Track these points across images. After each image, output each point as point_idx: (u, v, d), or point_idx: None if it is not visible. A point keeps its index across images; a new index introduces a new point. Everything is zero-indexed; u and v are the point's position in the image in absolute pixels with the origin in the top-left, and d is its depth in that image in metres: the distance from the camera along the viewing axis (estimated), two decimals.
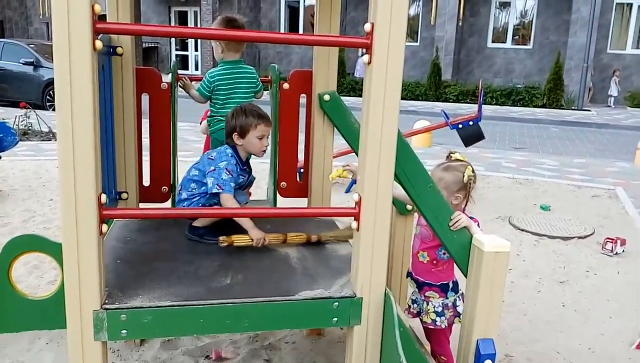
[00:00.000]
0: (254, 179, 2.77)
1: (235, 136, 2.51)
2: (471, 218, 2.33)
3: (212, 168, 2.45)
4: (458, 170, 2.34)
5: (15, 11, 26.32)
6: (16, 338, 2.89)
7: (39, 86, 13.14)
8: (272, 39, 1.97)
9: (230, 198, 2.42)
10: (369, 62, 1.80)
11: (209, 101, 3.20)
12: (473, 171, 2.36)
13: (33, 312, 2.90)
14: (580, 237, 5.05)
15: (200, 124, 3.86)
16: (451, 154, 2.47)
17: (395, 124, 1.85)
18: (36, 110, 9.60)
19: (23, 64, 13.30)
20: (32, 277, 3.68)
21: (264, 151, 2.56)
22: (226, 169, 2.45)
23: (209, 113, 3.06)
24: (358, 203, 1.92)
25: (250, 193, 2.84)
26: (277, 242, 2.44)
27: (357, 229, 1.94)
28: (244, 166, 2.58)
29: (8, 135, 5.56)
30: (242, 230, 2.40)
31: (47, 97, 13.08)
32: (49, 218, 4.93)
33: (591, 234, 5.15)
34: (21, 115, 9.25)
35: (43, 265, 3.80)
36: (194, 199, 2.52)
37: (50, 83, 12.70)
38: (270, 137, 2.59)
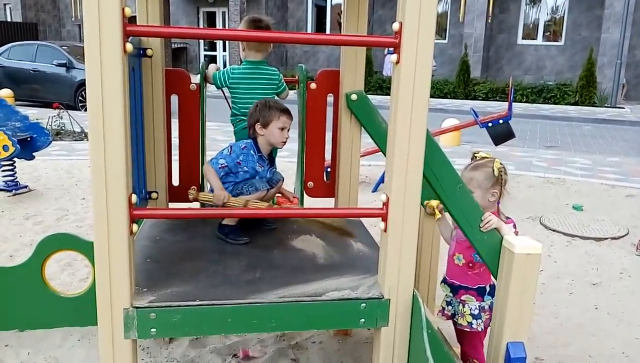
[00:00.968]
0: (282, 178, 2.77)
1: (258, 126, 2.59)
2: (508, 218, 2.29)
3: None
4: (487, 166, 2.31)
5: (49, 14, 26.93)
6: (49, 335, 2.96)
7: (72, 87, 13.42)
8: (299, 40, 1.98)
9: (207, 168, 2.56)
10: (397, 62, 1.79)
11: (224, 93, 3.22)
12: (501, 164, 2.33)
13: (65, 309, 2.98)
14: (613, 238, 4.93)
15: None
16: (475, 154, 2.44)
17: (424, 124, 1.83)
18: (69, 111, 9.80)
19: (56, 65, 13.60)
20: (64, 274, 3.76)
21: (284, 142, 2.63)
22: (230, 147, 2.59)
23: (231, 113, 3.07)
24: (386, 204, 1.91)
25: (297, 198, 2.88)
26: (238, 206, 2.46)
27: (385, 230, 1.93)
28: (261, 155, 2.63)
29: (41, 135, 5.68)
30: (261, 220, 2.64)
31: (80, 97, 13.35)
32: (81, 216, 5.03)
33: (625, 235, 5.02)
34: (54, 116, 9.46)
35: (75, 262, 3.88)
36: (225, 184, 2.58)
37: (83, 84, 12.96)
38: (289, 130, 2.65)
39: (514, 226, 2.23)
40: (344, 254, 2.42)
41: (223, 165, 2.55)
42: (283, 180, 2.79)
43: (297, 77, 2.97)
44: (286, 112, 2.61)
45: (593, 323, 3.38)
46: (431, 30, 1.75)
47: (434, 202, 2.41)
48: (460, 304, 2.41)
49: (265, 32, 2.86)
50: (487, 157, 2.38)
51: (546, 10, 20.54)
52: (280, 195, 2.85)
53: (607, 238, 4.91)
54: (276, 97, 3.06)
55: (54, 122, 9.39)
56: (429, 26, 1.74)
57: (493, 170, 2.28)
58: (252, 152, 2.59)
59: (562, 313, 3.51)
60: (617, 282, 4.00)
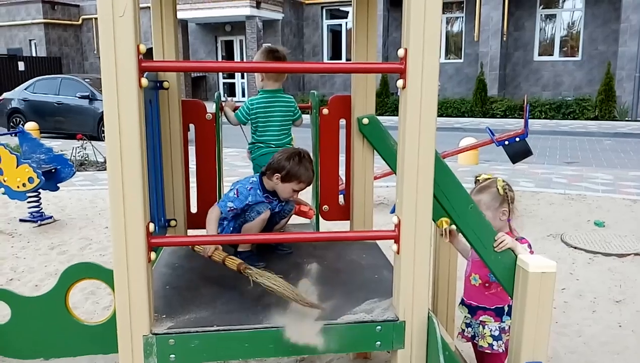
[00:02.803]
0: (293, 208, 2.79)
1: (277, 175, 2.56)
2: (521, 238, 2.29)
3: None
4: (491, 187, 2.34)
5: (72, 48, 27.73)
6: None
7: (94, 118, 13.73)
8: (310, 69, 2.04)
9: (213, 212, 2.54)
10: (404, 87, 1.83)
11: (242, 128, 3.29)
12: (504, 181, 2.35)
13: (89, 337, 3.03)
14: (637, 254, 4.85)
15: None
16: (477, 178, 2.46)
17: (432, 147, 1.86)
18: (92, 142, 10.03)
19: (79, 97, 13.94)
20: (88, 302, 3.83)
21: (289, 200, 2.67)
22: (236, 190, 2.58)
23: (250, 144, 3.14)
24: (397, 226, 1.93)
25: (313, 210, 2.91)
26: (217, 260, 2.38)
27: (398, 252, 1.95)
28: (267, 193, 2.61)
29: (65, 166, 5.84)
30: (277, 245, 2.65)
31: (102, 128, 13.59)
32: (104, 245, 5.13)
33: None
34: (78, 147, 9.68)
35: (99, 291, 3.95)
36: (224, 223, 2.61)
37: None
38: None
39: (529, 246, 2.23)
40: (360, 277, 2.44)
41: (232, 208, 2.55)
42: (293, 209, 2.81)
43: (310, 103, 3.03)
44: (309, 180, 2.59)
45: (617, 342, 3.32)
46: (435, 54, 1.79)
47: (444, 222, 2.41)
48: (480, 325, 2.40)
49: (273, 62, 2.94)
50: (489, 178, 2.40)
51: (562, 25, 20.51)
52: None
53: (630, 254, 4.83)
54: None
55: (78, 153, 9.61)
56: (434, 51, 1.78)
57: (497, 190, 2.30)
58: (258, 191, 2.59)
59: (585, 331, 3.45)
60: None
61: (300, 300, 1.99)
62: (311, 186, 3.02)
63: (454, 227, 2.30)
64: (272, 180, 2.58)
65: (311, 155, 2.97)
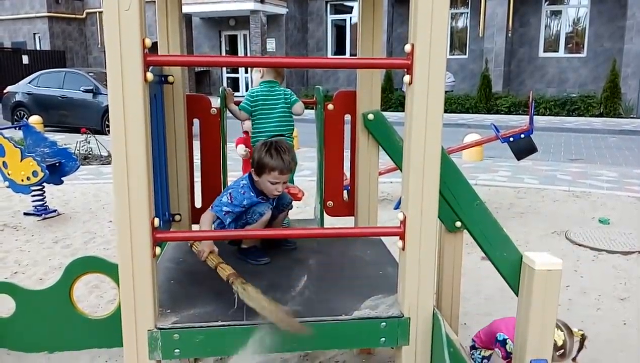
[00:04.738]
0: (290, 200, 2.74)
1: (252, 171, 2.51)
2: None
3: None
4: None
5: (76, 41, 27.75)
6: (77, 357, 3.02)
7: (98, 112, 13.75)
8: (317, 64, 2.02)
9: (206, 215, 2.50)
10: (410, 83, 1.82)
11: (245, 122, 3.28)
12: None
13: (93, 331, 3.04)
14: None
15: (236, 147, 3.84)
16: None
17: (439, 143, 1.85)
18: (96, 136, 10.04)
19: (83, 91, 13.96)
20: (92, 296, 3.84)
21: (276, 195, 2.53)
22: (229, 194, 2.51)
23: (251, 136, 3.13)
24: (403, 222, 1.92)
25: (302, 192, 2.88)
26: (210, 265, 2.32)
27: (403, 248, 1.94)
28: (260, 195, 2.53)
29: (69, 160, 5.84)
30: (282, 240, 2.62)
31: (106, 122, 13.67)
32: (108, 239, 5.14)
33: None
34: (82, 141, 9.70)
35: (103, 284, 3.96)
36: (225, 224, 2.56)
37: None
38: (285, 183, 2.54)
39: None
40: (364, 273, 2.44)
41: (227, 211, 2.50)
42: (291, 201, 2.76)
43: (315, 99, 3.02)
44: (280, 166, 2.42)
45: (622, 340, 3.31)
46: (443, 50, 1.78)
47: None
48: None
49: (278, 57, 2.94)
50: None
51: (567, 22, 20.41)
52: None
53: (635, 252, 4.82)
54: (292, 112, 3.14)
55: (82, 146, 9.62)
56: (441, 47, 1.77)
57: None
58: (252, 194, 2.51)
59: (590, 329, 3.43)
60: None
61: (283, 321, 1.89)
62: (316, 181, 3.01)
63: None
64: (253, 177, 2.52)
65: (316, 150, 2.96)
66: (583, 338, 2.49)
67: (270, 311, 1.91)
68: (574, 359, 2.46)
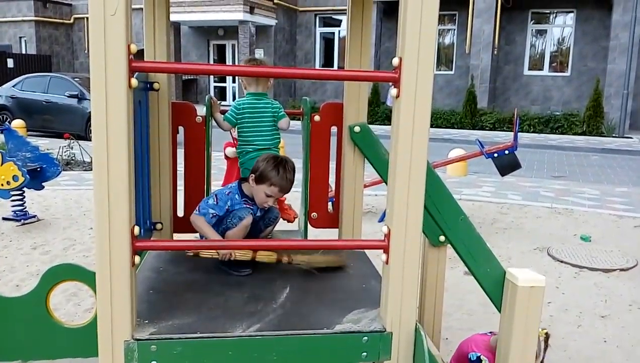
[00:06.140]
0: (278, 215, 2.76)
1: (252, 176, 2.54)
2: None
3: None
4: None
5: (62, 46, 27.51)
6: None
7: (83, 118, 13.58)
8: (305, 75, 2.02)
9: (198, 219, 2.51)
10: (397, 96, 1.82)
11: (230, 131, 3.26)
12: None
13: (69, 340, 2.96)
14: (622, 269, 4.87)
15: (225, 149, 3.88)
16: None
17: (424, 157, 1.84)
18: (79, 141, 9.92)
19: (68, 96, 13.80)
20: (70, 304, 3.77)
21: (264, 206, 2.59)
22: (215, 196, 2.56)
23: (237, 145, 3.11)
24: (387, 235, 1.91)
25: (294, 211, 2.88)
26: (246, 259, 2.41)
27: (387, 262, 1.93)
28: (245, 199, 2.57)
29: (51, 166, 5.75)
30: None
31: (90, 128, 13.51)
32: (88, 246, 5.05)
33: (634, 266, 4.97)
34: (65, 146, 9.58)
35: (81, 292, 3.88)
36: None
37: None
38: (275, 201, 2.64)
39: None
40: (347, 286, 2.42)
41: (214, 214, 2.51)
42: (279, 216, 2.78)
43: (302, 110, 3.01)
44: (283, 185, 2.51)
45: (602, 357, 3.32)
46: (430, 64, 1.78)
47: None
48: None
49: (265, 67, 2.92)
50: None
51: (552, 41, 20.74)
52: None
53: (615, 270, 4.86)
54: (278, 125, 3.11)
55: (65, 152, 9.50)
56: (428, 61, 1.77)
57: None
58: (236, 196, 2.55)
59: (570, 346, 3.45)
60: (626, 315, 3.95)
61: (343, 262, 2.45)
62: (301, 192, 3.00)
63: None
64: (250, 181, 2.55)
65: (301, 162, 2.95)
66: (547, 336, 2.47)
67: (333, 261, 2.53)
68: (541, 361, 2.45)
